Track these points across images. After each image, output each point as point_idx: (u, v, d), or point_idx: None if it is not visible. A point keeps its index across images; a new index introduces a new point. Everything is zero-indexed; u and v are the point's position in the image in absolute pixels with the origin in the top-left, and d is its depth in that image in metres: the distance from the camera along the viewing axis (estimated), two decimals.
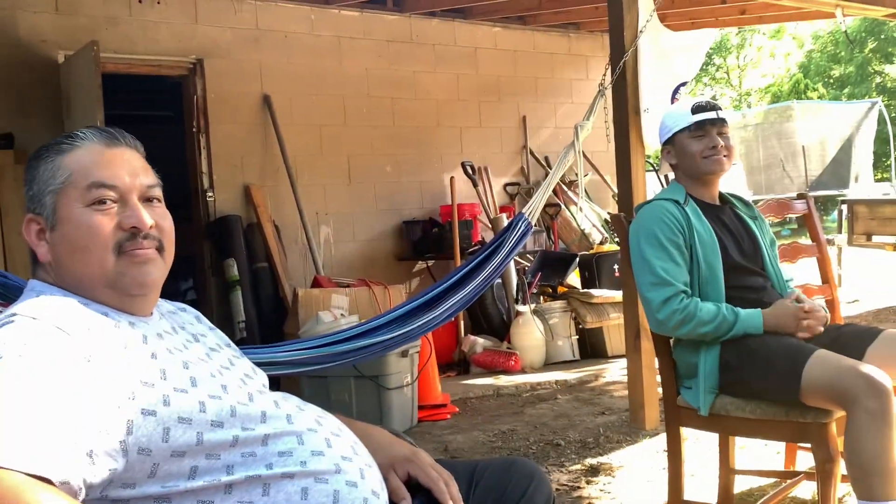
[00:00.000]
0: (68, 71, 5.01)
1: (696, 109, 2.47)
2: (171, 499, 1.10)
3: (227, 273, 5.57)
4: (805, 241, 3.05)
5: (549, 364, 5.82)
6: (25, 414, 0.94)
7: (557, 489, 3.14)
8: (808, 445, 2.37)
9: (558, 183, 5.87)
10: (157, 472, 1.09)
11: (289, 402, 1.31)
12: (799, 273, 2.99)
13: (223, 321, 5.37)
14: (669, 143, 2.54)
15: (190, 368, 1.21)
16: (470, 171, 6.44)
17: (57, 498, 0.89)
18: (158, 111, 7.40)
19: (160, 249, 1.28)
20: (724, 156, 2.46)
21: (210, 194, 5.72)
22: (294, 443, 1.21)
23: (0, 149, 4.89)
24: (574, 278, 6.50)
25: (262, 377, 1.40)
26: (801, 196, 3.02)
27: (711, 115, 2.47)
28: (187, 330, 1.36)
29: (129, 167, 1.28)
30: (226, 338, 1.47)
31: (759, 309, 2.30)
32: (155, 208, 1.29)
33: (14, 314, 1.12)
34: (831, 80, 23.31)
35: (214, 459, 1.13)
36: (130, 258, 1.24)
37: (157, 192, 1.31)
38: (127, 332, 1.20)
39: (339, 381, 4.19)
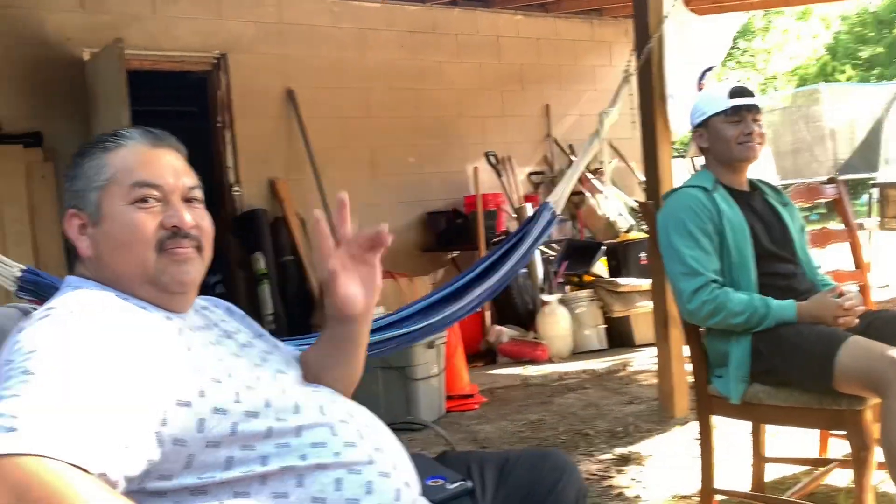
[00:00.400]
0: (94, 68, 5.06)
1: (734, 94, 2.43)
2: (207, 490, 1.11)
3: (255, 267, 5.61)
4: (835, 225, 3.00)
5: (576, 353, 5.81)
6: (64, 405, 0.95)
7: (587, 478, 3.13)
8: (842, 433, 2.35)
9: (583, 171, 5.84)
10: (193, 462, 1.10)
11: (320, 394, 1.32)
12: (829, 258, 2.95)
13: (251, 314, 5.30)
14: (702, 127, 2.50)
15: (224, 361, 1.22)
16: (493, 161, 6.42)
17: (99, 488, 0.90)
18: (183, 107, 7.44)
19: (199, 249, 1.30)
20: (758, 143, 2.43)
21: (236, 189, 5.76)
22: (327, 434, 1.22)
23: (29, 147, 4.95)
24: (600, 267, 6.47)
25: (294, 370, 1.41)
26: (831, 180, 2.98)
27: (749, 100, 2.43)
28: (220, 326, 1.38)
29: (173, 168, 1.30)
30: (257, 328, 1.49)
31: (793, 300, 2.26)
32: (195, 209, 1.31)
33: (52, 308, 1.14)
34: (860, 62, 22.94)
35: (249, 450, 1.14)
36: (171, 256, 1.26)
37: (198, 193, 1.34)
38: (163, 325, 1.22)
39: (366, 372, 4.15)
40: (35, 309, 1.34)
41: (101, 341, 1.07)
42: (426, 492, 1.36)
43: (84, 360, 1.03)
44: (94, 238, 1.27)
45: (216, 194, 5.80)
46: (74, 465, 0.89)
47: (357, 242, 1.35)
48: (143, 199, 1.26)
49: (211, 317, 1.40)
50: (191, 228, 1.28)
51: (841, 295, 2.26)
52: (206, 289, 1.38)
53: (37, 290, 2.88)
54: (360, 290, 1.37)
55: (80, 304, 1.15)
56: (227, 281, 5.93)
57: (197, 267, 1.30)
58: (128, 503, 0.91)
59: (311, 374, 1.46)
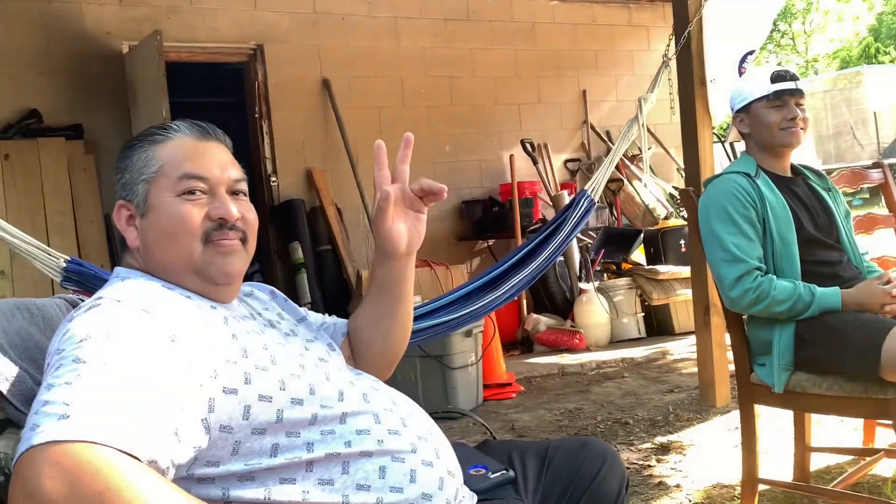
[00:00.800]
0: (132, 61, 5.12)
1: (776, 78, 2.38)
2: (254, 477, 1.12)
3: (293, 256, 5.66)
4: (880, 210, 2.94)
5: (614, 342, 5.78)
6: (114, 392, 0.96)
7: (627, 468, 3.10)
8: (888, 422, 2.30)
9: (620, 157, 5.79)
10: (240, 449, 1.11)
11: (364, 382, 1.33)
12: (875, 245, 2.89)
13: None
14: (743, 112, 2.45)
15: (269, 349, 1.23)
16: (529, 149, 6.38)
17: (149, 475, 0.91)
18: (221, 98, 7.51)
19: (244, 241, 1.32)
20: (801, 128, 2.39)
21: (273, 179, 5.80)
22: (371, 421, 1.23)
23: (70, 139, 5.03)
24: (639, 254, 6.42)
25: (337, 357, 1.42)
26: (876, 165, 2.91)
27: (791, 85, 2.38)
28: (263, 316, 1.39)
29: (219, 161, 1.32)
30: (299, 312, 1.50)
31: (838, 287, 2.22)
32: (241, 201, 1.33)
33: (101, 298, 1.15)
34: None
35: (295, 437, 1.15)
36: (217, 248, 1.28)
37: (244, 185, 1.36)
38: (208, 313, 1.23)
39: (404, 360, 4.14)
40: (81, 299, 1.37)
41: (149, 330, 1.09)
42: (468, 481, 1.36)
43: (133, 348, 1.04)
44: (142, 229, 1.29)
45: (254, 185, 5.85)
46: (125, 453, 0.90)
47: (413, 187, 1.42)
48: (190, 192, 1.27)
49: (255, 306, 1.41)
50: (236, 220, 1.30)
51: (888, 282, 2.21)
52: (244, 278, 1.39)
53: (81, 280, 2.93)
54: (405, 230, 1.43)
55: (128, 294, 1.17)
56: (265, 270, 5.99)
57: (242, 258, 1.32)
58: (177, 490, 0.92)
59: (363, 334, 1.52)
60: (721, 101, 3.79)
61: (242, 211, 1.32)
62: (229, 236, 1.29)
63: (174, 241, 1.26)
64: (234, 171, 1.34)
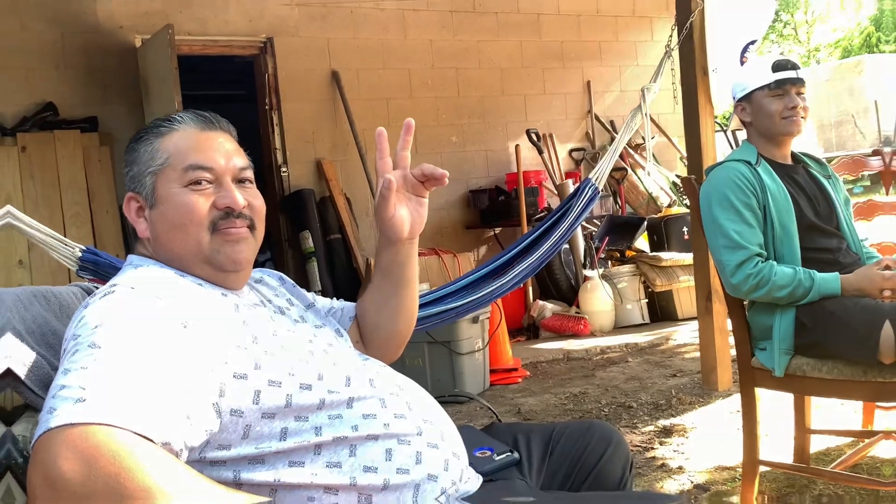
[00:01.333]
0: (145, 55, 5.18)
1: (777, 67, 2.42)
2: (264, 460, 1.15)
3: (303, 245, 5.74)
4: (880, 197, 2.99)
5: (618, 328, 5.84)
6: (129, 376, 0.99)
7: (630, 450, 3.17)
8: (887, 404, 2.35)
9: (624, 147, 5.84)
10: (250, 433, 1.14)
11: (370, 367, 1.36)
12: (875, 231, 2.94)
13: None
14: (745, 101, 2.48)
15: (278, 335, 1.27)
16: (535, 139, 6.44)
17: (163, 457, 0.92)
18: (232, 90, 7.57)
19: (251, 228, 1.34)
20: (802, 117, 2.42)
21: (284, 169, 5.87)
22: (377, 406, 1.25)
23: (85, 132, 5.11)
24: (643, 242, 6.48)
25: (344, 342, 1.45)
26: (876, 153, 2.96)
27: (792, 74, 2.42)
28: (273, 303, 1.43)
29: (224, 150, 1.34)
30: (307, 298, 1.53)
31: (838, 273, 2.26)
32: (247, 189, 1.35)
33: (115, 285, 1.19)
34: None
35: (303, 421, 1.18)
36: (224, 236, 1.30)
37: (249, 173, 1.38)
38: (219, 300, 1.27)
39: (412, 346, 4.27)
40: (96, 287, 1.39)
41: (162, 316, 1.12)
42: (474, 463, 1.39)
43: (146, 333, 1.07)
44: (152, 220, 1.32)
45: (264, 175, 5.93)
46: (140, 435, 0.93)
47: (414, 172, 1.42)
48: (197, 182, 1.29)
49: (265, 293, 1.44)
50: (243, 209, 1.32)
51: (887, 268, 2.23)
52: (256, 266, 1.43)
53: (96, 269, 3.00)
54: (407, 216, 1.43)
55: (141, 281, 1.20)
56: (276, 259, 6.07)
57: (250, 246, 1.34)
58: (190, 471, 0.93)
59: (370, 318, 1.55)
60: (723, 91, 3.84)
61: (249, 198, 1.33)
62: (236, 224, 1.31)
63: (182, 232, 1.29)
64: (239, 160, 1.35)
